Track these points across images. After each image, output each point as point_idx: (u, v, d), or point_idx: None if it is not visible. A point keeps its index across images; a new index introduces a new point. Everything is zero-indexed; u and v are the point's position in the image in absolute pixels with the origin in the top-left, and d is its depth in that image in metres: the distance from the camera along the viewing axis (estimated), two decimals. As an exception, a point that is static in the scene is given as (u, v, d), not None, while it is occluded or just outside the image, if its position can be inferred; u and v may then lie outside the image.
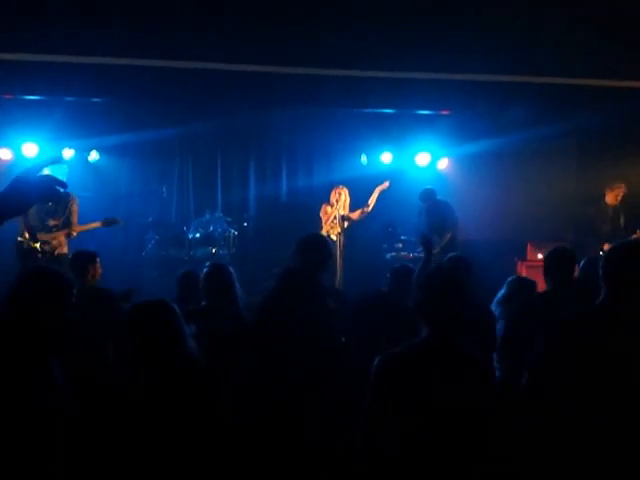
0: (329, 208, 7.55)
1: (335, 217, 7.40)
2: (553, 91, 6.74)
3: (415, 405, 2.29)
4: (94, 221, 6.42)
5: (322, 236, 4.57)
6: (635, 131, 7.88)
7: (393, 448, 2.29)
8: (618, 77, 6.56)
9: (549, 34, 5.60)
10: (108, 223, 6.42)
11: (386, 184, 7.61)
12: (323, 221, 7.56)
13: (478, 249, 7.10)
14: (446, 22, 5.55)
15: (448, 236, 7.33)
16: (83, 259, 4.43)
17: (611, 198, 7.52)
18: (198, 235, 8.43)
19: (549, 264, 3.83)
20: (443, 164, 9.10)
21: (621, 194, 7.47)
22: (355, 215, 7.56)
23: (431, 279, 2.50)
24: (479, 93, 6.75)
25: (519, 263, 8.01)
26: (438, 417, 2.27)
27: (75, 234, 6.35)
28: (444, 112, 7.73)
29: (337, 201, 7.45)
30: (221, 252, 8.47)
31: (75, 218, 6.38)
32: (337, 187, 7.58)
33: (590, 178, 8.25)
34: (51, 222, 6.28)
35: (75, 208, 6.36)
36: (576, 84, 6.57)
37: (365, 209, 7.53)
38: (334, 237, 7.30)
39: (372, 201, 7.55)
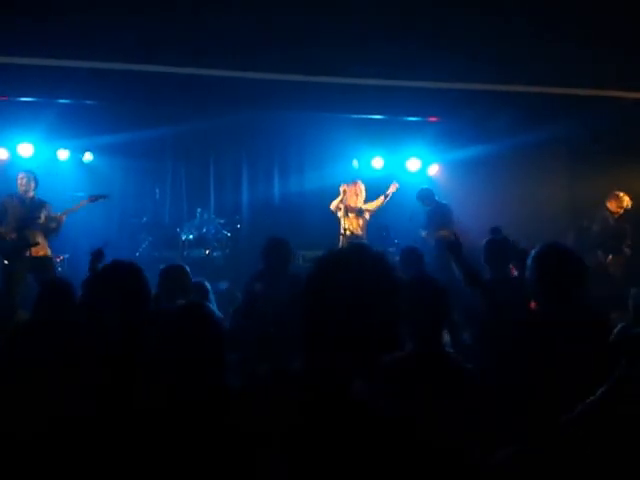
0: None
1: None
2: (540, 99, 6.81)
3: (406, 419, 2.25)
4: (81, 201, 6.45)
5: None
6: (623, 138, 7.93)
7: None
8: (604, 86, 6.64)
9: (536, 43, 5.68)
10: (95, 199, 6.42)
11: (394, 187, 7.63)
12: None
13: (470, 255, 7.11)
14: (435, 32, 5.64)
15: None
16: None
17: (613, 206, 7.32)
18: (191, 237, 8.51)
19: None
20: (433, 170, 9.18)
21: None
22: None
23: (412, 290, 2.42)
24: (466, 101, 6.82)
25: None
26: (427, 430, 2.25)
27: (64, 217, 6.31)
28: (432, 119, 7.81)
29: (357, 195, 7.46)
30: (215, 254, 8.55)
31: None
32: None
33: (580, 184, 8.29)
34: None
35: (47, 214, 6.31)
36: (562, 93, 6.65)
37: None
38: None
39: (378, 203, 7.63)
